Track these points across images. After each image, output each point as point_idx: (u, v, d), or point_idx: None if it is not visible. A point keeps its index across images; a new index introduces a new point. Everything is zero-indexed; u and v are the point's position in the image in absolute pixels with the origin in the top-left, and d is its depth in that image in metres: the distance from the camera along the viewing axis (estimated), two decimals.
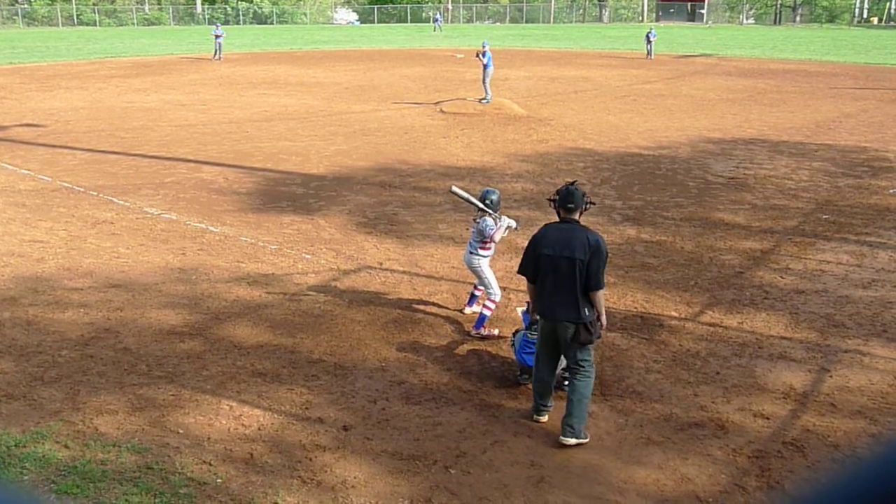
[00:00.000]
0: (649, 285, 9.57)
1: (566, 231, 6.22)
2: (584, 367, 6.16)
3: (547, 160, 16.62)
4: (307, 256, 10.61)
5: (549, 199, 6.56)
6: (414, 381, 7.15)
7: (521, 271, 6.53)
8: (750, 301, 9.09)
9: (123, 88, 29.48)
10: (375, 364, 7.47)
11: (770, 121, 21.80)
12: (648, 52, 41.91)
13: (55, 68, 37.33)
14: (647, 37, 42.35)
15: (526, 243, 6.58)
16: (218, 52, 41.13)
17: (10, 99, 26.48)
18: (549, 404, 6.48)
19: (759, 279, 9.82)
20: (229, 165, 16.17)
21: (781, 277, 9.87)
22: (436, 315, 8.67)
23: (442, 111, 23.27)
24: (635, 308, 8.88)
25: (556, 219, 6.45)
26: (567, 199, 6.28)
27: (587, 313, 6.09)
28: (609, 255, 6.50)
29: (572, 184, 6.45)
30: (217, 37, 41.14)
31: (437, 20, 74.05)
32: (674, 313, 8.76)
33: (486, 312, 8.16)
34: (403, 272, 10.01)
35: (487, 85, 23.42)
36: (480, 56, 23.57)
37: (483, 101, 23.25)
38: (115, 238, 11.36)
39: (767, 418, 6.54)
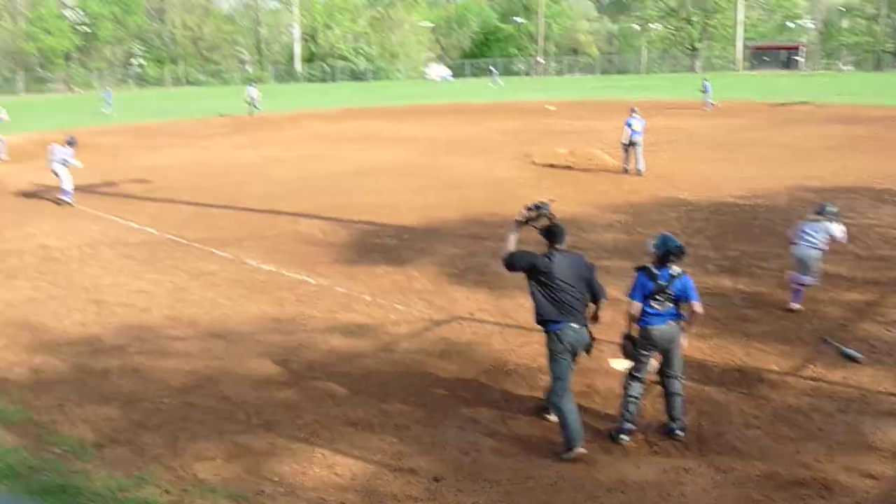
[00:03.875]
0: (747, 338, 9.33)
1: (567, 257, 7.04)
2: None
3: (639, 210, 16.47)
4: (399, 307, 10.75)
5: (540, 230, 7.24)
6: (505, 433, 7.12)
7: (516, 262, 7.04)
8: None
9: (226, 145, 30.69)
10: (466, 415, 7.48)
11: (871, 168, 21.08)
12: (706, 103, 41.13)
13: (163, 127, 39.17)
14: (704, 87, 41.85)
15: None
16: (253, 106, 43.30)
17: (122, 156, 27.88)
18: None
19: (863, 332, 9.45)
20: (325, 218, 16.59)
21: (888, 330, 9.47)
22: (527, 366, 8.64)
23: (533, 163, 23.38)
24: (733, 361, 8.65)
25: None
26: (560, 235, 7.09)
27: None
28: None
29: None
30: (251, 97, 43.66)
31: (493, 74, 76.16)
32: (774, 367, 8.50)
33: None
34: (494, 323, 10.03)
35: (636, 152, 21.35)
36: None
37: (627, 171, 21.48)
38: (217, 289, 11.76)
39: (876, 478, 6.26)
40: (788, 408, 7.52)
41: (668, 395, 7.11)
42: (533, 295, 6.92)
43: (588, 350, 7.02)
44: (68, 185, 18.50)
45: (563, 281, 6.80)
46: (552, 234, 7.08)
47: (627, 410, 7.04)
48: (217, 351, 9.24)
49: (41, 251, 14.25)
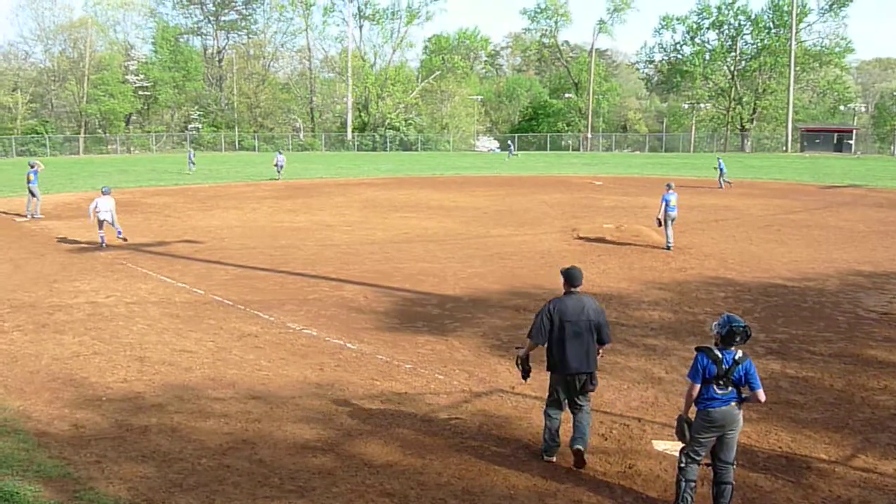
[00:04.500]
0: (795, 424, 9.06)
1: (578, 300, 7.97)
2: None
3: (685, 289, 16.28)
4: (440, 377, 10.67)
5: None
6: None
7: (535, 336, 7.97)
8: None
9: (275, 209, 31.20)
10: (504, 491, 7.33)
11: None
12: (721, 182, 41.31)
13: (215, 189, 40.03)
14: (719, 166, 42.42)
15: None
16: (278, 171, 47.21)
17: (174, 217, 28.47)
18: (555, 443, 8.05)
19: None
20: (369, 284, 16.66)
21: None
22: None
23: (579, 237, 23.35)
24: (780, 448, 8.40)
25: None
26: (576, 278, 8.09)
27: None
28: None
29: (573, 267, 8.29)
30: (278, 163, 47.52)
31: (510, 147, 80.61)
32: (823, 455, 8.22)
33: None
34: (535, 397, 9.89)
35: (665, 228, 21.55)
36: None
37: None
38: (259, 351, 11.81)
39: None
40: (837, 499, 7.24)
41: (719, 483, 6.86)
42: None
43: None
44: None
45: (572, 327, 7.80)
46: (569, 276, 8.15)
47: (683, 498, 6.81)
48: (256, 413, 9.23)
49: (89, 307, 14.49)
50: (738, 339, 6.65)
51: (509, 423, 9.03)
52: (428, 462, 7.94)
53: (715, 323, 6.84)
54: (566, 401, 8.00)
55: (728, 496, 6.84)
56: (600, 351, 8.09)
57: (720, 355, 6.67)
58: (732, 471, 6.86)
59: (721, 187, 40.49)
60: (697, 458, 6.80)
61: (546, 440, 8.03)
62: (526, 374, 8.30)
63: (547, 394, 8.15)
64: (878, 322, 13.75)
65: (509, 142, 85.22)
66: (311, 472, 7.68)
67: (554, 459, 7.93)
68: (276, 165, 47.38)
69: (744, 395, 6.74)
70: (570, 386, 7.88)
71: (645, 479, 7.62)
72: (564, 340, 7.75)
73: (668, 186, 21.76)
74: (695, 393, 6.74)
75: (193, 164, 53.13)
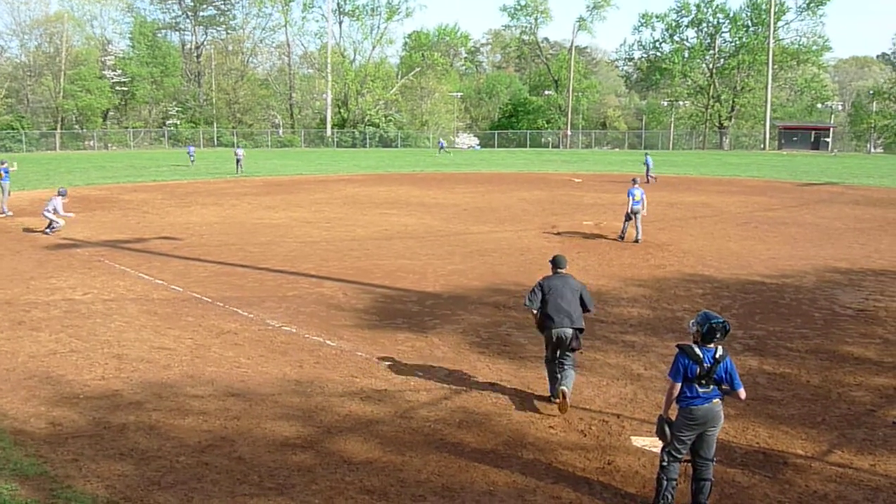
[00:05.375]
0: (773, 420, 9.14)
1: (563, 278, 9.71)
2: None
3: (664, 285, 16.37)
4: (420, 374, 10.67)
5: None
6: None
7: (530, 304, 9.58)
8: (883, 441, 8.54)
9: (255, 205, 31.05)
10: (483, 487, 7.35)
11: None
12: (647, 177, 41.88)
13: (194, 185, 39.79)
14: (646, 161, 43.28)
15: None
16: (239, 168, 48.92)
17: (152, 213, 28.27)
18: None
19: (892, 418, 9.23)
20: (349, 281, 16.63)
21: None
22: (547, 440, 8.50)
23: (558, 233, 23.42)
24: (757, 443, 8.46)
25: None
26: (560, 263, 9.88)
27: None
28: None
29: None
30: (237, 156, 49.85)
31: (441, 145, 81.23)
32: (799, 451, 8.30)
33: None
34: (515, 394, 9.92)
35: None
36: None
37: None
38: (238, 348, 11.76)
39: None
40: (814, 494, 7.31)
41: (699, 480, 6.88)
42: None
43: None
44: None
45: (557, 294, 9.47)
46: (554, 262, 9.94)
47: (664, 496, 6.80)
48: (235, 411, 9.19)
49: (66, 304, 14.37)
50: (717, 335, 6.65)
51: (489, 420, 9.05)
52: (407, 459, 7.94)
53: (692, 321, 6.82)
54: (557, 362, 9.50)
55: (707, 492, 6.88)
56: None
57: (700, 353, 6.65)
58: (712, 467, 6.88)
59: (648, 182, 40.92)
60: (679, 455, 6.80)
61: (550, 383, 9.72)
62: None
63: (544, 356, 9.91)
64: (854, 318, 13.89)
65: (440, 139, 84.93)
66: (290, 470, 7.66)
67: (558, 401, 9.25)
68: (237, 159, 49.51)
69: (724, 389, 6.74)
70: (560, 342, 9.37)
71: (624, 475, 7.66)
72: (552, 304, 9.36)
73: (634, 181, 22.64)
74: (676, 392, 6.72)
75: (193, 157, 57.26)
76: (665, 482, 6.80)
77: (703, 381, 6.63)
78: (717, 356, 6.65)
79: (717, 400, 6.72)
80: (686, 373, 6.64)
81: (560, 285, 9.52)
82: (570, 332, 9.33)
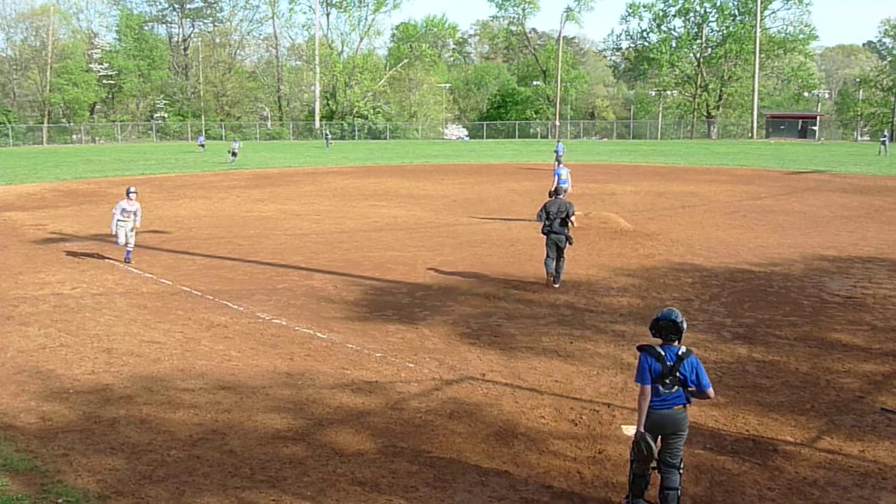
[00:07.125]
0: (762, 407, 9.19)
1: (558, 200, 15.12)
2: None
3: (653, 275, 16.42)
4: (410, 365, 10.68)
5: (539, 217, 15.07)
6: (514, 498, 6.99)
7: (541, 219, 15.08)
8: (872, 428, 8.60)
9: (243, 198, 30.97)
10: (475, 478, 7.37)
11: (889, 239, 21.03)
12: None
13: (182, 179, 39.65)
14: (557, 150, 40.74)
15: None
16: (232, 158, 50.45)
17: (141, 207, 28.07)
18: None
19: (881, 405, 9.30)
20: (339, 273, 16.62)
21: None
22: (538, 430, 8.53)
23: None
24: (747, 431, 8.51)
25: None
26: (557, 193, 15.58)
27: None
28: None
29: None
30: (233, 150, 51.78)
31: (327, 136, 79.72)
32: (789, 438, 8.35)
33: None
34: (506, 384, 9.94)
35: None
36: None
37: None
38: (228, 341, 11.74)
39: None
40: (803, 480, 7.36)
41: (663, 489, 6.57)
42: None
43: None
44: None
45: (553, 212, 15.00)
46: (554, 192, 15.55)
47: (634, 493, 6.66)
48: (225, 404, 9.18)
49: (55, 299, 14.31)
50: (669, 334, 6.45)
51: (480, 411, 9.07)
52: (399, 450, 7.95)
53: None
54: (554, 260, 15.15)
55: (673, 503, 6.55)
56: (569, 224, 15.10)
57: (662, 352, 6.42)
58: (678, 476, 6.56)
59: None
60: (645, 466, 6.56)
61: (546, 266, 15.33)
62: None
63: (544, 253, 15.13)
64: (842, 306, 13.97)
65: (327, 132, 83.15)
66: (281, 462, 7.66)
67: (553, 284, 15.07)
68: (231, 151, 51.06)
69: (691, 391, 6.45)
70: (556, 243, 15.02)
71: (615, 463, 7.69)
72: (550, 217, 14.98)
73: (558, 161, 23.03)
74: (647, 394, 6.41)
75: (203, 146, 63.46)
76: (639, 480, 6.64)
77: (668, 381, 6.37)
78: (680, 353, 6.40)
79: (679, 406, 6.45)
80: (651, 373, 6.39)
81: (556, 206, 15.02)
82: (563, 237, 14.99)
